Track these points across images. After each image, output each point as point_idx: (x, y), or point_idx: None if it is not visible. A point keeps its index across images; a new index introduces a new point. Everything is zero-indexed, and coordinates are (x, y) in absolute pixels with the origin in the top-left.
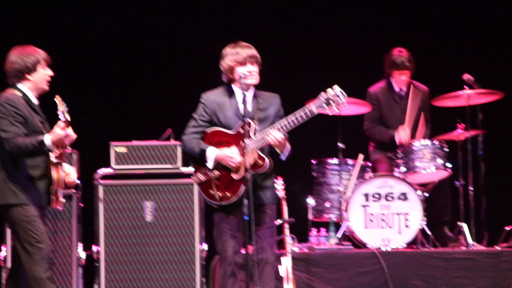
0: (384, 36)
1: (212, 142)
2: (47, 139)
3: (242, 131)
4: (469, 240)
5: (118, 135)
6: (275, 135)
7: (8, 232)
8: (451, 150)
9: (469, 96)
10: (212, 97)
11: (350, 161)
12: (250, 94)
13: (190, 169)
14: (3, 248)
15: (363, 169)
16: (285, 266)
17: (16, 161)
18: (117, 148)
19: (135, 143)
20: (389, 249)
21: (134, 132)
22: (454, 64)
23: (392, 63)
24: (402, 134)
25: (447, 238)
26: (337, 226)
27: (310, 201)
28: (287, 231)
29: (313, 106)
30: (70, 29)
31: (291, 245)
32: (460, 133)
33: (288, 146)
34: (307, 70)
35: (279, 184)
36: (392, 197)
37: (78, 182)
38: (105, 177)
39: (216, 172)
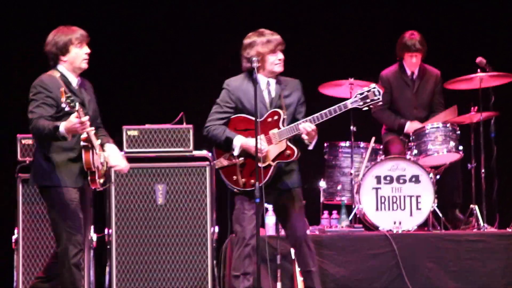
0: (397, 20)
1: (238, 129)
2: (62, 126)
3: (270, 119)
4: (481, 222)
5: (131, 118)
6: (306, 126)
7: (21, 214)
8: (463, 132)
9: (481, 78)
10: (236, 83)
11: (362, 144)
12: (273, 81)
13: (203, 152)
14: (15, 231)
15: (375, 152)
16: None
17: (50, 143)
18: (130, 131)
19: (147, 126)
20: (400, 232)
21: (147, 116)
22: (467, 47)
23: (403, 45)
24: (412, 128)
25: (458, 220)
26: (349, 208)
27: (322, 183)
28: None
29: (348, 102)
30: (80, 15)
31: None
32: (472, 116)
33: (316, 136)
34: (322, 53)
35: None
36: (404, 180)
37: (122, 166)
38: None
39: (241, 159)
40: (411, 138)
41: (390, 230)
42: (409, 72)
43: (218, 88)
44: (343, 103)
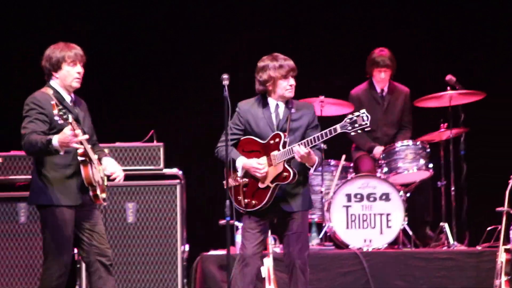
0: (367, 38)
1: (245, 150)
2: (55, 139)
3: (272, 142)
4: (451, 240)
5: (101, 136)
6: (298, 149)
7: None
8: (433, 150)
9: (451, 96)
10: (246, 106)
11: (332, 162)
12: (283, 104)
13: (173, 171)
14: None
15: (345, 170)
16: (267, 267)
17: (46, 161)
18: None
19: (117, 144)
20: (371, 250)
21: (117, 134)
22: (437, 65)
23: (372, 61)
24: (378, 152)
25: (428, 238)
26: (319, 226)
27: None
28: (268, 232)
29: (338, 126)
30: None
31: (273, 246)
32: (442, 134)
33: (315, 159)
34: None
35: None
36: (374, 198)
37: (119, 174)
38: None
39: (245, 179)
40: (381, 156)
41: (361, 248)
42: (378, 90)
43: (189, 107)
44: (333, 127)
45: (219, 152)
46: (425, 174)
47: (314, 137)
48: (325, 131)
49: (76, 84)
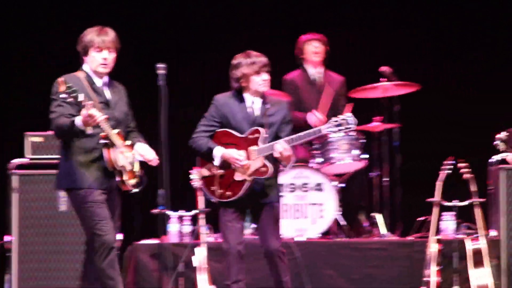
0: (303, 27)
1: (222, 142)
2: (77, 119)
3: (252, 137)
4: (383, 230)
5: (35, 125)
6: (280, 148)
7: (14, 221)
8: (368, 141)
9: (386, 87)
10: (223, 99)
11: None
12: (259, 100)
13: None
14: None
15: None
16: (200, 256)
17: (72, 145)
18: (33, 138)
19: (50, 132)
20: (303, 239)
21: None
22: (372, 56)
23: (304, 41)
24: (312, 118)
25: (361, 228)
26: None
27: None
28: (202, 221)
29: (324, 127)
30: None
31: (207, 235)
32: (376, 125)
33: (293, 158)
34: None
35: (195, 175)
36: (308, 188)
37: (149, 157)
38: (20, 166)
39: (221, 170)
40: (315, 146)
41: (293, 238)
42: (311, 72)
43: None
44: (318, 128)
45: (195, 141)
46: (359, 165)
47: (297, 136)
48: (309, 131)
49: (102, 70)
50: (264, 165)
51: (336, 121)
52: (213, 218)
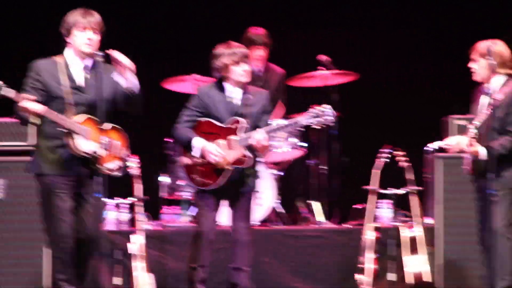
0: (242, 17)
1: (203, 131)
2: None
3: (232, 126)
4: (321, 218)
5: None
6: (258, 138)
7: None
8: (306, 129)
9: (324, 76)
10: (205, 90)
11: None
12: (239, 90)
13: None
14: None
15: None
16: (137, 244)
17: (41, 130)
18: None
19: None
20: None
21: None
22: (311, 45)
23: (249, 40)
24: None
25: (299, 216)
26: (190, 204)
27: (164, 179)
28: (140, 209)
29: (302, 118)
30: None
31: (144, 223)
32: None
33: (270, 150)
34: (166, 48)
35: (133, 162)
36: None
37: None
38: None
39: (201, 159)
40: None
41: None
42: (254, 69)
43: None
44: (297, 119)
45: (177, 131)
46: (297, 153)
47: (275, 127)
48: (288, 122)
49: (86, 49)
50: (244, 155)
51: (314, 112)
52: (150, 206)
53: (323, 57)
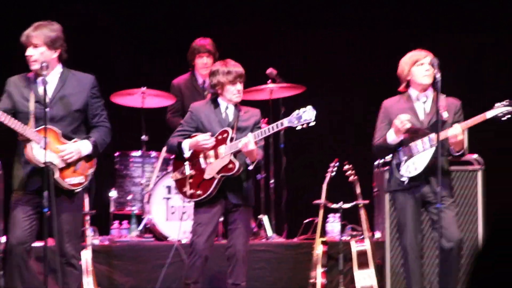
0: (190, 29)
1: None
2: None
3: (220, 137)
4: (269, 232)
5: None
6: (245, 141)
7: None
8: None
9: (272, 90)
10: (199, 106)
11: (153, 154)
12: (232, 106)
13: None
14: None
15: (166, 162)
16: (85, 259)
17: (16, 145)
18: None
19: None
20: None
21: None
22: (258, 58)
23: (193, 48)
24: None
25: None
26: (139, 218)
27: (113, 193)
28: (87, 223)
29: (285, 120)
30: None
31: (92, 238)
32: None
33: (258, 157)
34: (114, 63)
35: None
36: None
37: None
38: None
39: (191, 171)
40: None
41: (180, 240)
42: (200, 80)
43: None
44: (280, 121)
45: (169, 143)
46: None
47: (261, 131)
48: (271, 125)
49: (31, 67)
50: (231, 162)
51: (297, 113)
52: (98, 220)
53: (271, 70)
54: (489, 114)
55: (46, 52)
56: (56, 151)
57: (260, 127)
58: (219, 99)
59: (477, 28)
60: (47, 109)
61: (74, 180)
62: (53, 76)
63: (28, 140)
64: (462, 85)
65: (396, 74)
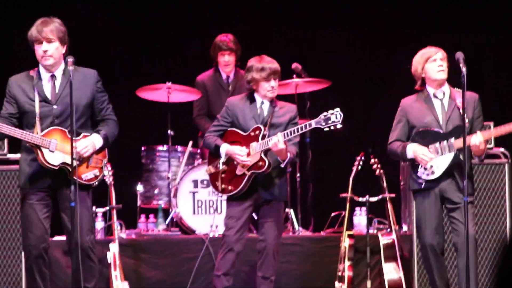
0: (218, 24)
1: (228, 141)
2: None
3: (252, 134)
4: (296, 226)
5: None
6: (274, 140)
7: None
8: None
9: (297, 84)
10: (235, 101)
11: (179, 148)
12: (267, 102)
13: (17, 156)
14: None
15: (192, 156)
16: (113, 252)
17: (21, 144)
18: None
19: None
20: (217, 235)
21: None
22: (283, 53)
23: (215, 46)
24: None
25: None
26: (166, 212)
27: (139, 187)
28: (114, 217)
29: (313, 122)
30: None
31: (119, 231)
32: None
33: (288, 155)
34: (140, 57)
35: (107, 170)
36: None
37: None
38: None
39: (224, 167)
40: None
41: (207, 233)
42: (224, 76)
43: None
44: (308, 122)
45: (206, 140)
46: None
47: (289, 131)
48: (299, 125)
49: (45, 62)
50: (262, 159)
51: (325, 115)
52: (125, 214)
53: (296, 65)
54: None
55: (59, 47)
56: (66, 151)
57: (296, 123)
58: (255, 95)
59: (477, 28)
60: (55, 107)
61: (89, 175)
62: (59, 72)
63: (37, 146)
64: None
65: (411, 72)
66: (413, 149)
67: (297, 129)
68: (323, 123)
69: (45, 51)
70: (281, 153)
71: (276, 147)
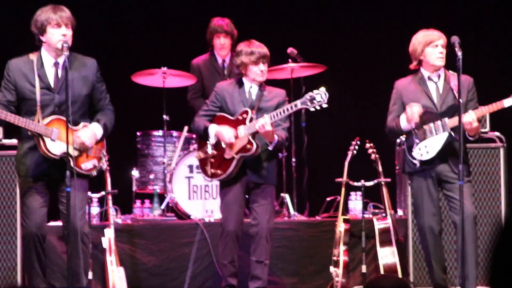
0: (212, 10)
1: (217, 124)
2: None
3: (240, 117)
4: (291, 210)
5: None
6: (261, 122)
7: None
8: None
9: (292, 69)
10: (224, 86)
11: (174, 133)
12: (256, 86)
13: (12, 141)
14: None
15: (187, 141)
16: (108, 238)
17: (19, 131)
18: None
19: None
20: (213, 220)
21: None
22: (279, 37)
23: (211, 29)
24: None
25: None
26: (161, 197)
27: (135, 172)
28: (110, 202)
29: (298, 102)
30: None
31: (114, 217)
32: None
33: (276, 138)
34: (134, 42)
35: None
36: None
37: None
38: None
39: (213, 151)
40: None
41: (202, 219)
42: (220, 60)
43: None
44: (294, 103)
45: (195, 124)
46: None
47: (276, 112)
48: (286, 106)
49: (64, 45)
50: (249, 142)
51: (310, 95)
52: (120, 200)
53: (292, 50)
54: (507, 102)
55: (71, 33)
56: (67, 141)
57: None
58: (244, 79)
59: (477, 28)
60: (57, 96)
61: (88, 165)
62: (62, 59)
63: (38, 135)
64: None
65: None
66: (404, 116)
67: (284, 110)
68: (309, 103)
69: (64, 35)
70: (268, 135)
71: (263, 129)
